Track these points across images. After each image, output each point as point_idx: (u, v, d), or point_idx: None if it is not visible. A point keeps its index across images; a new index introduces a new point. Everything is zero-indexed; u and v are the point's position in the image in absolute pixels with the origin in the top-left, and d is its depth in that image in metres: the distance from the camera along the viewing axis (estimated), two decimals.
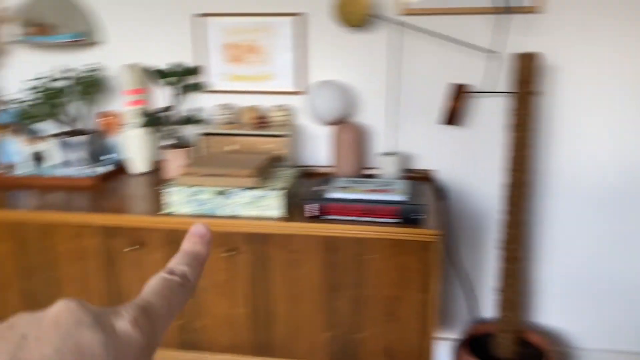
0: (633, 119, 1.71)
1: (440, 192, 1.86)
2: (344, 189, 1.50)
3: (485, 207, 1.87)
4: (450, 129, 1.81)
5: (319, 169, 1.90)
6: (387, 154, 1.75)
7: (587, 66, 1.69)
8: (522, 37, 1.69)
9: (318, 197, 1.45)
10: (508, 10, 1.59)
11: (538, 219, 1.86)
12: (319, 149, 1.91)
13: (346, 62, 1.81)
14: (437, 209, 1.53)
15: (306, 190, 1.63)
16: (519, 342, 1.81)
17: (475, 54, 1.72)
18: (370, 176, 1.84)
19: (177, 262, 0.37)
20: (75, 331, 0.29)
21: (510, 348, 1.75)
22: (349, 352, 1.53)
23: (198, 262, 0.38)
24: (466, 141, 1.82)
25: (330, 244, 1.44)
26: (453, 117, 1.72)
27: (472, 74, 1.75)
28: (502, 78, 1.73)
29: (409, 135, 1.84)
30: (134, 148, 1.87)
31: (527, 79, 1.48)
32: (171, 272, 0.36)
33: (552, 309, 1.95)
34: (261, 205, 1.46)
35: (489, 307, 1.99)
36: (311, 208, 1.44)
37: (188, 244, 0.39)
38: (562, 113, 1.74)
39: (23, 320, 0.30)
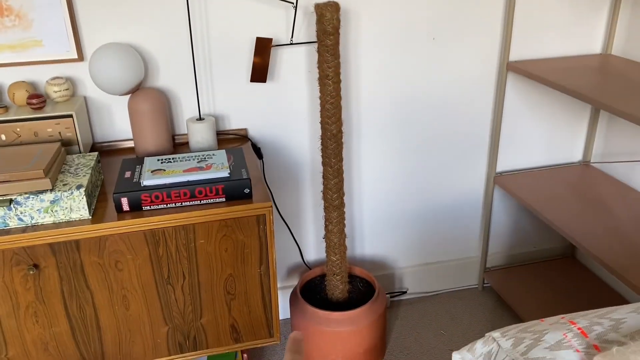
0: (403, 55, 1.82)
1: (256, 151, 1.79)
2: (159, 172, 1.33)
3: (297, 159, 1.86)
4: (259, 85, 1.72)
5: (119, 144, 1.67)
6: (198, 119, 1.60)
7: (374, 6, 1.72)
8: None
9: (132, 188, 1.27)
10: None
11: (347, 164, 1.92)
12: (115, 122, 1.67)
13: (129, 18, 1.56)
14: (259, 174, 1.46)
15: (116, 180, 1.43)
16: (347, 278, 1.91)
17: (273, 3, 1.62)
18: (181, 145, 1.68)
19: None
20: None
21: (341, 287, 1.83)
22: (195, 339, 1.44)
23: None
24: (274, 96, 1.75)
25: (154, 237, 1.29)
26: (260, 72, 1.63)
27: (273, 26, 1.65)
28: (303, 29, 1.67)
29: (217, 95, 1.71)
30: None
31: (333, 29, 1.44)
32: None
33: (372, 241, 2.09)
34: (61, 209, 1.23)
35: (313, 250, 2.05)
36: (126, 201, 1.26)
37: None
38: (354, 56, 1.77)
39: None
